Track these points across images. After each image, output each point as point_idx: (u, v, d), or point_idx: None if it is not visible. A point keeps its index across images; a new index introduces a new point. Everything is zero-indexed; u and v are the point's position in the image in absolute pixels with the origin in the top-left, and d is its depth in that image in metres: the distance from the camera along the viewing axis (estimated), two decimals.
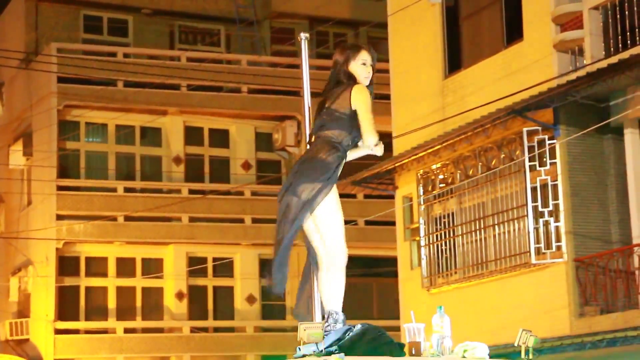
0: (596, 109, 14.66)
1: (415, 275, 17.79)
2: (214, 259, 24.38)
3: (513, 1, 16.22)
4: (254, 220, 24.61)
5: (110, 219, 23.50)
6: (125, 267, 24.09)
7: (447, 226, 17.14)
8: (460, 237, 16.83)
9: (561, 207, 14.84)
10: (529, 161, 15.15)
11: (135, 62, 24.41)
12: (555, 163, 14.93)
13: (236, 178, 25.12)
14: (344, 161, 5.69)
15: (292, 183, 5.61)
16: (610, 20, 14.49)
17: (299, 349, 5.36)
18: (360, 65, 5.70)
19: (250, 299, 24.63)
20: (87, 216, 23.50)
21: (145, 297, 24.21)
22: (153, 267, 24.20)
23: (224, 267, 24.50)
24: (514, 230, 15.63)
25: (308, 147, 5.75)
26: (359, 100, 5.61)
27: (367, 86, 5.70)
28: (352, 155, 5.75)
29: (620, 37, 14.35)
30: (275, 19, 27.41)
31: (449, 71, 17.55)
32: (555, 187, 14.92)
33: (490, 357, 5.70)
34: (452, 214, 17.04)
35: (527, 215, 15.20)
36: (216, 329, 24.34)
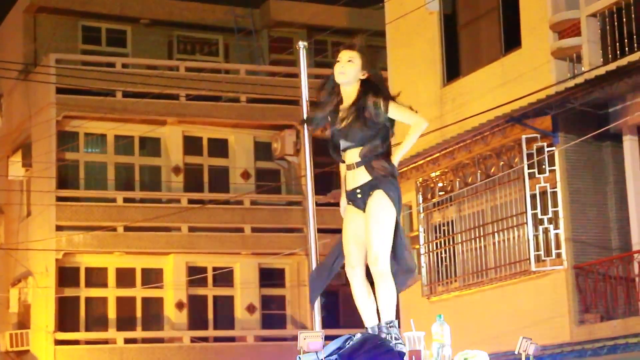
0: (595, 116, 14.67)
1: (415, 284, 17.76)
2: (214, 269, 24.37)
3: (511, 9, 16.25)
4: (254, 230, 24.61)
5: (109, 230, 23.49)
6: (125, 277, 24.07)
7: (446, 234, 17.14)
8: (459, 245, 16.83)
9: (560, 214, 14.84)
10: (528, 168, 15.16)
11: (134, 72, 24.43)
12: (554, 170, 14.93)
13: (235, 187, 25.13)
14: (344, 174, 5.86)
15: None
16: (608, 28, 14.51)
17: (299, 358, 5.36)
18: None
19: (251, 309, 24.62)
20: (86, 227, 23.49)
21: (145, 308, 24.18)
22: (153, 277, 24.19)
23: (224, 277, 24.49)
24: (514, 237, 15.63)
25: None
26: None
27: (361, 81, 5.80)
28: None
29: (618, 44, 14.36)
30: (273, 28, 27.45)
31: (447, 79, 17.57)
32: (554, 194, 14.93)
33: None
34: (452, 221, 17.04)
35: (526, 223, 15.20)
36: (216, 339, 24.31)
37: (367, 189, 5.69)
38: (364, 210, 5.70)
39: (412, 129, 5.73)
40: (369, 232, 5.63)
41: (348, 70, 5.72)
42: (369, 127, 5.66)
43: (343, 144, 5.74)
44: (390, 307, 5.62)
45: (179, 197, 24.51)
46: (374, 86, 5.74)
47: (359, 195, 5.71)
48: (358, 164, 5.70)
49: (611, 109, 14.61)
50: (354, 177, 5.73)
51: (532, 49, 15.63)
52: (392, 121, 5.78)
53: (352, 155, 5.74)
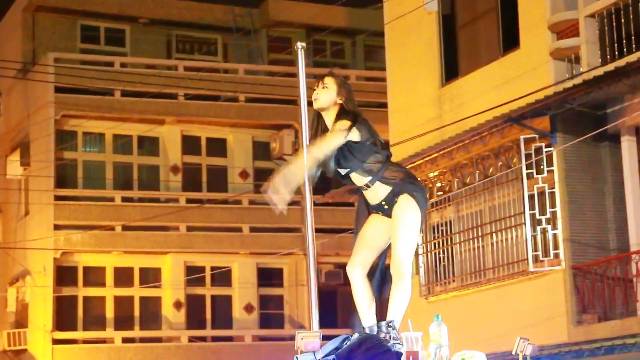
0: (593, 117, 14.68)
1: (413, 284, 17.71)
2: (212, 268, 24.36)
3: (509, 9, 16.26)
4: (252, 229, 24.60)
5: (107, 229, 23.49)
6: (123, 276, 24.07)
7: (444, 234, 17.14)
8: (458, 245, 16.84)
9: (558, 215, 14.85)
10: (526, 169, 15.16)
11: (133, 71, 24.43)
12: (552, 170, 14.94)
13: (234, 187, 25.13)
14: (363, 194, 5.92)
15: None
16: (606, 28, 14.52)
17: (297, 357, 5.36)
18: None
19: (249, 308, 24.62)
20: (84, 226, 23.49)
21: (143, 307, 24.18)
22: (151, 276, 24.19)
23: (222, 276, 24.49)
24: (512, 238, 15.64)
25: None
26: None
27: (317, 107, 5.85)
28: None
29: (616, 44, 14.37)
30: (272, 27, 27.45)
31: (446, 79, 17.57)
32: (552, 194, 14.93)
33: None
34: (450, 222, 17.05)
35: (524, 223, 15.21)
36: (214, 338, 24.31)
37: (392, 197, 5.72)
38: (390, 217, 5.74)
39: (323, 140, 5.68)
40: (394, 236, 5.67)
41: (321, 96, 5.79)
42: (352, 151, 5.67)
43: (342, 170, 5.77)
44: (399, 308, 5.64)
45: (177, 197, 24.51)
46: (347, 111, 5.77)
47: (386, 207, 5.75)
48: (371, 182, 5.73)
49: (609, 110, 14.62)
50: (375, 193, 5.76)
51: (530, 49, 15.64)
52: (371, 134, 5.74)
53: (358, 178, 5.78)
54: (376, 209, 5.79)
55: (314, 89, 5.82)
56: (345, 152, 5.69)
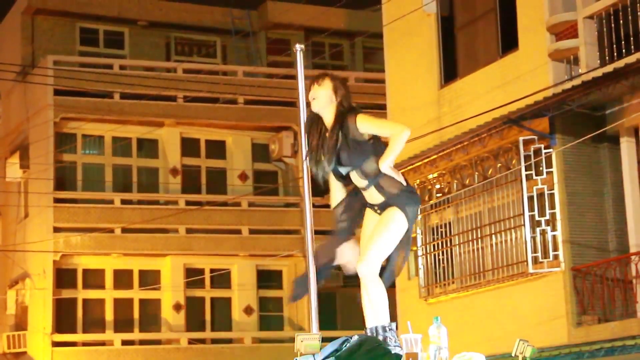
0: (592, 118, 14.68)
1: (412, 285, 17.79)
2: (211, 270, 24.37)
3: (508, 11, 16.26)
4: (251, 231, 24.61)
5: (107, 231, 23.49)
6: (122, 279, 24.07)
7: (444, 236, 17.14)
8: (457, 246, 16.84)
9: (558, 216, 14.84)
10: (526, 170, 15.16)
11: (132, 74, 24.44)
12: (551, 172, 14.94)
13: (233, 189, 25.14)
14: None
15: None
16: (605, 29, 14.52)
17: None
18: None
19: (248, 310, 24.62)
20: (84, 228, 23.49)
21: (142, 309, 24.18)
22: (150, 278, 24.19)
23: (222, 278, 24.49)
24: (511, 239, 15.63)
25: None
26: None
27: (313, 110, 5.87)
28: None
29: (615, 46, 14.38)
30: (270, 30, 27.47)
31: (445, 81, 17.58)
32: (551, 196, 14.93)
33: None
34: (449, 223, 17.05)
35: (524, 225, 15.21)
36: (214, 341, 24.31)
37: (385, 205, 5.72)
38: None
39: (392, 137, 5.65)
40: (373, 234, 5.66)
41: (319, 94, 5.76)
42: (357, 148, 5.65)
43: (342, 169, 5.75)
44: (379, 312, 5.63)
45: (177, 199, 24.51)
46: (349, 106, 5.76)
47: (378, 211, 5.76)
48: (367, 186, 5.72)
49: (608, 111, 14.62)
50: (370, 195, 5.76)
51: (529, 50, 15.64)
52: (376, 136, 5.74)
53: (356, 178, 5.77)
54: (371, 207, 5.81)
55: (310, 90, 5.81)
56: (349, 149, 5.67)
